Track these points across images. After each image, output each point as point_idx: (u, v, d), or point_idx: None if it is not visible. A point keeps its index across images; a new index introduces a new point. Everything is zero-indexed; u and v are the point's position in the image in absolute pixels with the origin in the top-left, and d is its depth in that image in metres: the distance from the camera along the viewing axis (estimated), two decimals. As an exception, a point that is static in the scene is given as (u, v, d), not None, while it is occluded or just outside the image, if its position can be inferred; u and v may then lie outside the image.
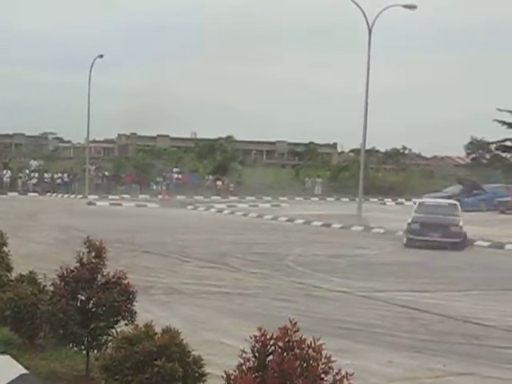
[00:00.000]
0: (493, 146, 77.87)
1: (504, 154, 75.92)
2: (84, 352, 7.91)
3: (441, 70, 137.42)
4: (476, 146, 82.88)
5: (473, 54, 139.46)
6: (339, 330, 11.88)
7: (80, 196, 55.01)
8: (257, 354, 4.69)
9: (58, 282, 7.83)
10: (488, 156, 79.83)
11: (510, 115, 69.89)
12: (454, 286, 17.51)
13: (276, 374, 4.51)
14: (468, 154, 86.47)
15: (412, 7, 38.21)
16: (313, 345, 4.60)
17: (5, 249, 11.01)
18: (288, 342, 4.61)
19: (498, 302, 15.50)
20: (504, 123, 70.62)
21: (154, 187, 60.32)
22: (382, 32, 41.98)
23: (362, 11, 36.82)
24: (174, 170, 65.43)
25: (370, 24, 36.99)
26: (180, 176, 63.91)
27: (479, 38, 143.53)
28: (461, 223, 26.62)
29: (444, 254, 24.51)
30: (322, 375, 4.52)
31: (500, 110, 69.17)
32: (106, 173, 63.06)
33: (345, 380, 4.55)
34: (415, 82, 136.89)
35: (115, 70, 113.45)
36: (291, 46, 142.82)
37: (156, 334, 6.39)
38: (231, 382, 4.65)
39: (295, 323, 4.68)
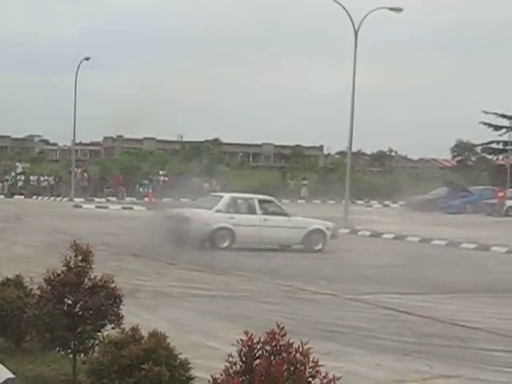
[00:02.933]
0: (479, 149, 78.24)
1: (490, 157, 76.32)
2: (71, 356, 7.89)
3: (428, 72, 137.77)
4: (462, 149, 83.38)
5: (460, 56, 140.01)
6: (327, 332, 11.89)
7: (66, 199, 54.83)
8: (244, 358, 4.69)
9: (45, 286, 7.79)
10: (474, 158, 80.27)
11: (496, 117, 70.22)
12: (441, 289, 17.53)
13: (263, 378, 4.51)
14: (454, 157, 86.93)
15: (398, 10, 38.25)
16: (300, 349, 4.60)
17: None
18: (275, 345, 4.61)
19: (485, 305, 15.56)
20: (490, 125, 70.90)
21: (141, 190, 60.09)
22: (369, 34, 42.12)
23: (348, 14, 36.90)
24: (161, 172, 65.29)
25: (356, 27, 37.04)
26: (166, 178, 63.76)
27: (467, 41, 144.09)
28: None
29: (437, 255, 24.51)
30: (309, 379, 4.52)
31: (486, 112, 69.48)
32: (86, 175, 62.36)
33: (332, 383, 4.55)
34: (402, 84, 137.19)
35: (102, 73, 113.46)
36: (277, 49, 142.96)
37: (143, 337, 6.38)
38: (218, 385, 4.65)
39: (283, 327, 4.67)
